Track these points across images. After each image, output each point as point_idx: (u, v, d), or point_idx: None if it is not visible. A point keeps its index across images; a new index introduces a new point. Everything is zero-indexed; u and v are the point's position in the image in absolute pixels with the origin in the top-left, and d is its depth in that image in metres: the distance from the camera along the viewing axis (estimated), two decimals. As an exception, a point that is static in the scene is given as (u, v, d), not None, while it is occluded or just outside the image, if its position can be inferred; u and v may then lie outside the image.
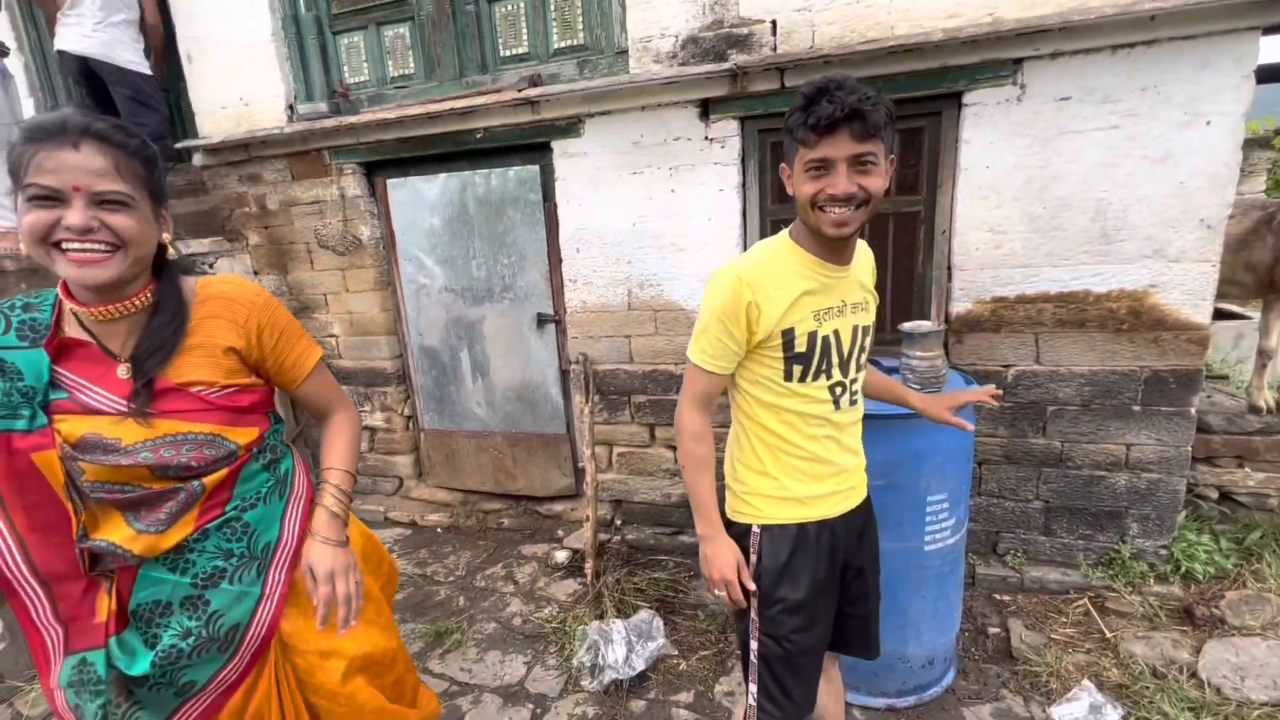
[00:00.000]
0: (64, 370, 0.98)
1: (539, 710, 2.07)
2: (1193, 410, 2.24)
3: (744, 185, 2.55)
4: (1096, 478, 2.38)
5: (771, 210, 2.59)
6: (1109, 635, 2.18)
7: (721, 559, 1.27)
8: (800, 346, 1.21)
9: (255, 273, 3.44)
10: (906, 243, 2.49)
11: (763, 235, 2.62)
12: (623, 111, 2.58)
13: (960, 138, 2.26)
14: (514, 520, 3.32)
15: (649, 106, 2.53)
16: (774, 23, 2.35)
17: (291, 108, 3.15)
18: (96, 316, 0.97)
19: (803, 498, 1.29)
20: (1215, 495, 2.52)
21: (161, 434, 0.99)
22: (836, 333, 1.24)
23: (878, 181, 1.11)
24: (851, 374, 1.29)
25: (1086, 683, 1.95)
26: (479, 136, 2.84)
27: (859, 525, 1.38)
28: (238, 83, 3.18)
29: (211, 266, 3.25)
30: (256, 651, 1.11)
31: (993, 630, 2.29)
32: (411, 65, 3.05)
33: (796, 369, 1.23)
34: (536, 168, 2.84)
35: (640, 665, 2.12)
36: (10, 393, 0.94)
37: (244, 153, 3.23)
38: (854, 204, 1.10)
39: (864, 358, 1.33)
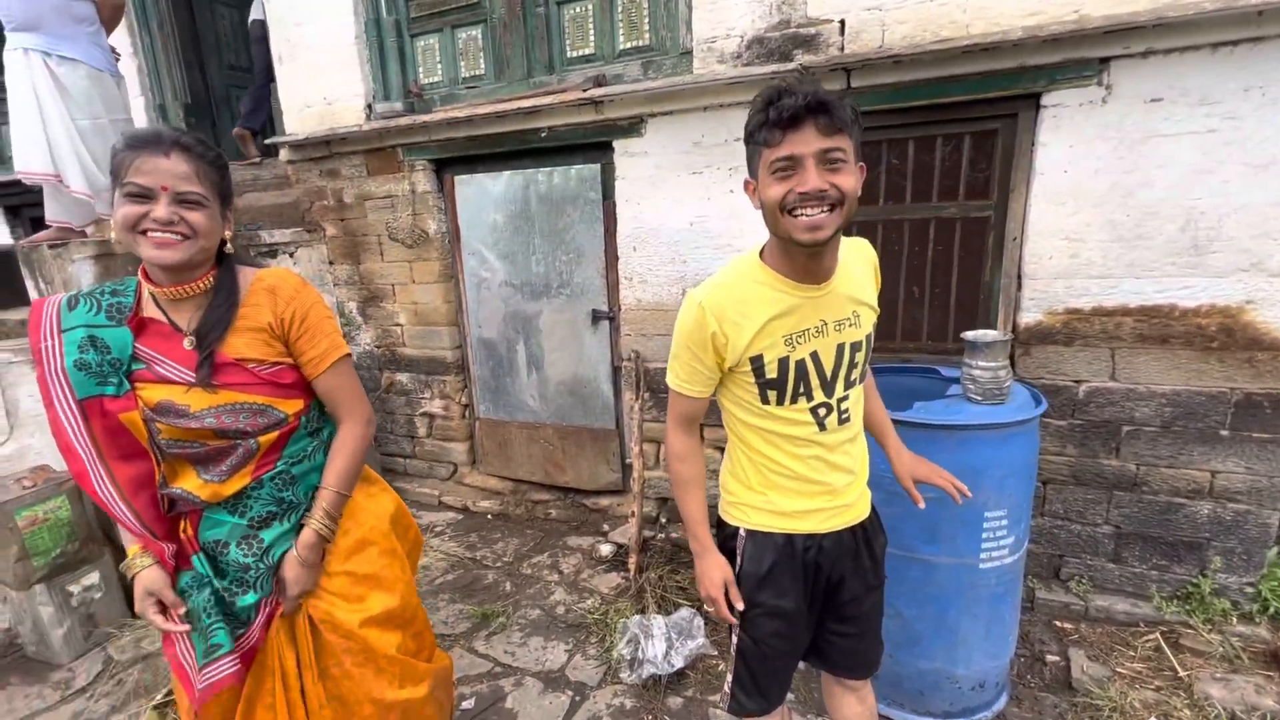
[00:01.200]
0: (142, 345, 1.15)
1: (578, 698, 2.11)
2: (1290, 438, 2.06)
3: (804, 187, 2.52)
4: (1175, 505, 2.23)
5: (832, 213, 2.54)
6: (1182, 674, 2.04)
7: (710, 576, 1.27)
8: (771, 373, 1.16)
9: (330, 262, 3.64)
10: (973, 250, 2.40)
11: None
12: (685, 112, 2.60)
13: (1037, 140, 2.16)
14: (561, 511, 3.39)
15: (711, 107, 2.54)
16: (842, 22, 2.32)
17: (370, 107, 3.32)
18: (168, 296, 1.15)
19: (789, 512, 1.26)
20: (1313, 532, 2.31)
21: (223, 403, 1.16)
22: (815, 354, 1.17)
23: (849, 180, 1.02)
24: (839, 393, 1.21)
25: (1154, 721, 1.84)
26: (543, 135, 2.91)
27: (853, 544, 1.30)
28: (322, 83, 3.38)
29: (292, 256, 3.46)
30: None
31: (1051, 658, 2.18)
32: (482, 66, 3.16)
33: (771, 394, 1.19)
34: (597, 166, 2.90)
35: (679, 662, 2.13)
36: (102, 364, 1.11)
37: (325, 149, 3.42)
38: (826, 204, 1.02)
39: (856, 374, 1.23)
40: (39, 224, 5.09)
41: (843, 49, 2.33)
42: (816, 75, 2.32)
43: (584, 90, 2.71)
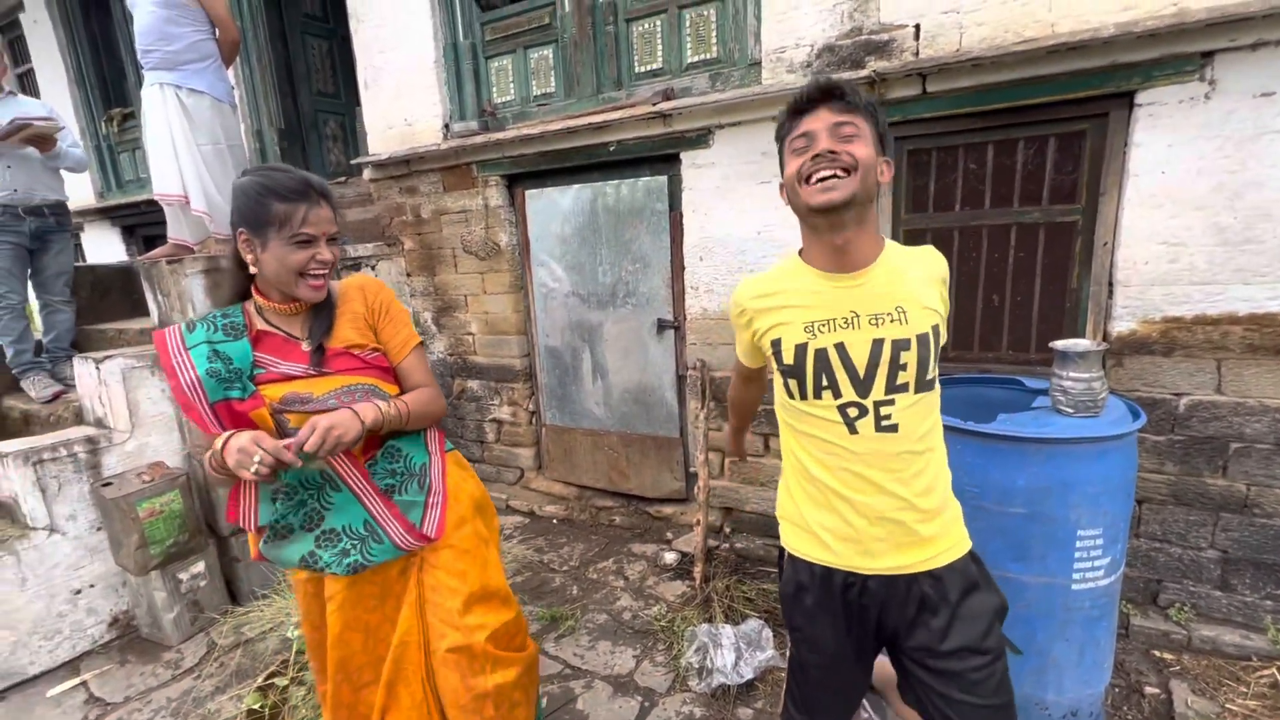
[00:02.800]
0: (261, 353, 1.31)
1: (647, 704, 2.13)
2: None
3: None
4: (1293, 530, 2.06)
5: (906, 219, 2.49)
6: (1304, 714, 1.87)
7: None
8: (787, 359, 1.16)
9: (408, 274, 3.84)
10: (1058, 256, 2.30)
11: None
12: (753, 122, 2.61)
13: (1130, 140, 2.06)
14: (624, 519, 3.43)
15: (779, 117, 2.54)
16: (917, 27, 2.28)
17: (447, 126, 3.49)
18: (286, 312, 1.33)
19: (818, 530, 1.20)
20: None
21: (339, 385, 1.31)
22: (841, 346, 1.13)
23: (863, 149, 1.06)
24: (876, 395, 1.12)
25: (1272, 764, 1.69)
26: (611, 149, 2.99)
27: (916, 594, 1.16)
28: (403, 105, 3.58)
29: (373, 268, 3.66)
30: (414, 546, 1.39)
31: (1150, 690, 2.04)
32: (553, 84, 3.27)
33: (793, 384, 1.18)
34: (664, 178, 2.94)
35: (749, 674, 2.12)
36: (227, 372, 1.26)
37: (405, 167, 3.62)
38: (839, 166, 1.05)
39: (905, 377, 1.12)
40: (150, 242, 5.59)
41: (917, 54, 2.29)
42: (890, 81, 2.29)
43: (653, 104, 2.76)
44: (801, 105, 1.11)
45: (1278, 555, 2.09)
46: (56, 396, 3.10)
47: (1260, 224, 1.94)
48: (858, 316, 1.13)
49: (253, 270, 1.26)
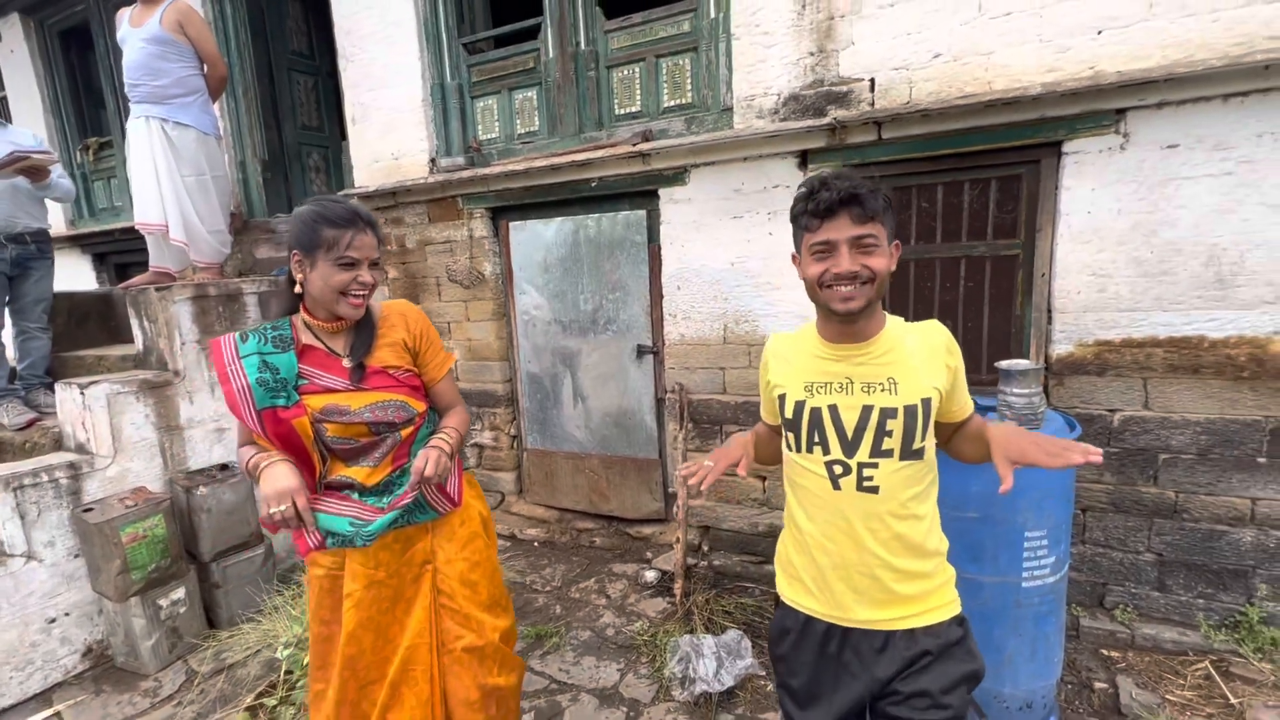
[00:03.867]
0: (306, 366, 1.42)
1: (632, 713, 2.20)
2: (1329, 465, 2.11)
3: (839, 229, 2.70)
4: (1217, 532, 2.27)
5: (866, 252, 2.71)
6: (1234, 701, 2.05)
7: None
8: (788, 413, 1.27)
9: (391, 302, 3.92)
10: (1003, 286, 2.53)
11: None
12: (726, 162, 2.82)
13: (1060, 184, 2.32)
14: (605, 539, 3.51)
15: (751, 157, 2.76)
16: (873, 80, 2.53)
17: (433, 161, 3.63)
18: (328, 330, 1.43)
19: (803, 577, 1.29)
20: (1363, 562, 2.31)
21: (374, 401, 1.43)
22: (834, 408, 1.23)
23: (880, 261, 1.15)
24: (861, 457, 1.20)
25: (1205, 746, 1.85)
26: (593, 185, 3.16)
27: (893, 651, 1.20)
28: (391, 141, 3.72)
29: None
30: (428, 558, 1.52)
31: (1099, 685, 2.20)
32: (536, 123, 3.45)
33: (790, 436, 1.28)
34: (643, 212, 3.13)
35: (729, 681, 2.21)
36: (275, 383, 1.37)
37: (391, 199, 3.74)
38: (858, 281, 1.15)
39: (890, 443, 1.19)
40: (122, 270, 5.55)
41: (873, 104, 2.54)
42: (849, 128, 2.52)
43: (633, 144, 2.96)
44: (823, 209, 1.15)
45: (1205, 556, 2.29)
46: (31, 424, 3.07)
47: (1173, 258, 2.19)
48: (852, 383, 1.23)
49: (299, 290, 1.37)
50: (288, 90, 4.63)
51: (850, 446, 1.22)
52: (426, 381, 1.54)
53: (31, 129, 3.44)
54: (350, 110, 3.83)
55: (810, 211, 1.17)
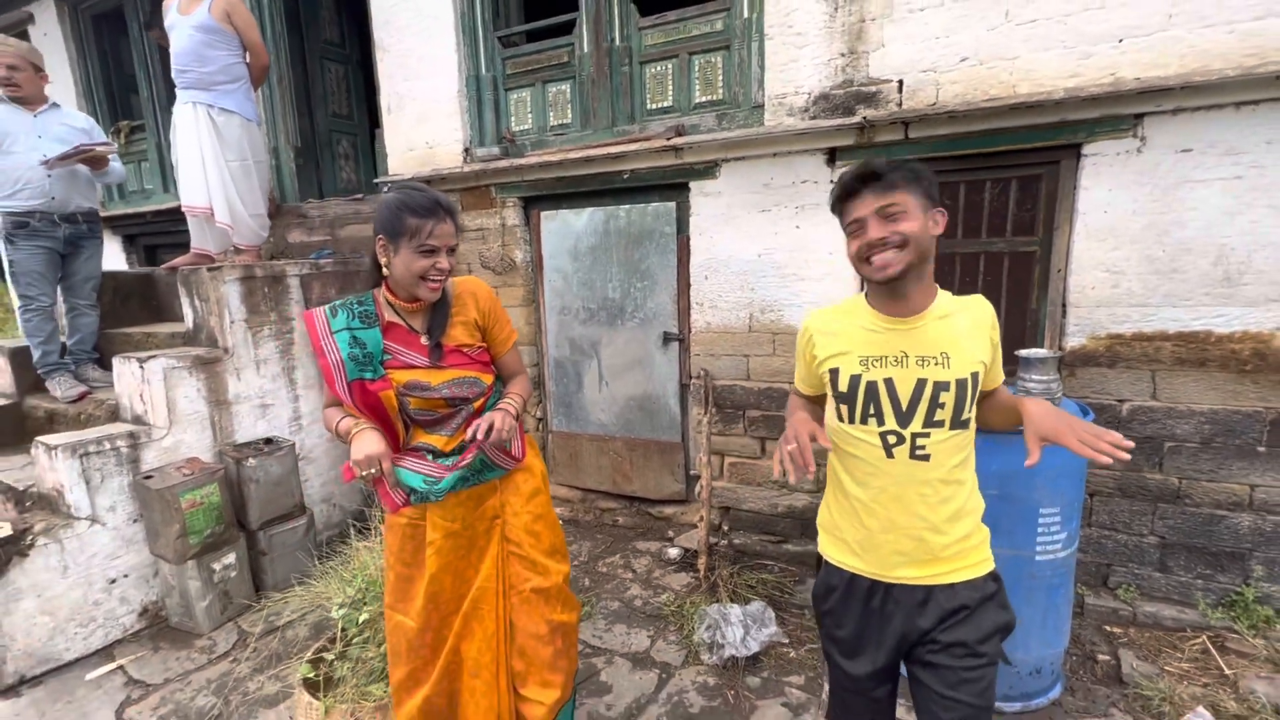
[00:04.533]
0: (389, 342, 1.54)
1: (664, 675, 2.35)
2: (1324, 455, 2.24)
3: (864, 223, 2.82)
4: (1217, 517, 2.41)
5: (889, 246, 2.83)
6: (1228, 672, 2.19)
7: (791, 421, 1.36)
8: (842, 387, 1.32)
9: (422, 287, 4.04)
10: (1020, 280, 2.66)
11: (880, 269, 2.87)
12: (756, 158, 2.94)
13: (1079, 184, 2.44)
14: (627, 519, 3.65)
15: (780, 154, 2.88)
16: (901, 82, 2.65)
17: (467, 150, 3.75)
18: (408, 309, 1.55)
19: (850, 542, 1.35)
20: (1354, 547, 2.46)
21: (450, 378, 1.56)
22: (890, 381, 1.27)
23: (910, 225, 1.20)
24: (914, 427, 1.26)
25: (1201, 709, 2.00)
26: (625, 177, 3.28)
27: (935, 604, 1.29)
28: (425, 130, 3.83)
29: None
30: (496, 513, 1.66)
31: (1102, 657, 2.35)
32: (569, 116, 3.57)
33: (844, 409, 1.32)
34: (673, 204, 3.25)
35: (755, 647, 2.36)
36: (364, 357, 1.50)
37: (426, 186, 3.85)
38: (890, 247, 1.20)
39: (942, 415, 1.26)
40: (151, 252, 5.67)
41: (900, 105, 2.65)
42: (877, 127, 2.64)
43: (667, 138, 3.08)
44: (848, 191, 1.25)
45: (1205, 539, 2.43)
46: (82, 397, 3.20)
47: (1183, 257, 2.32)
48: (907, 356, 1.27)
49: (385, 271, 1.49)
50: (320, 79, 4.74)
51: (905, 418, 1.27)
52: (493, 355, 1.66)
53: (81, 112, 3.54)
54: (385, 99, 3.94)
55: (838, 197, 1.29)
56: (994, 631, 1.29)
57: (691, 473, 3.54)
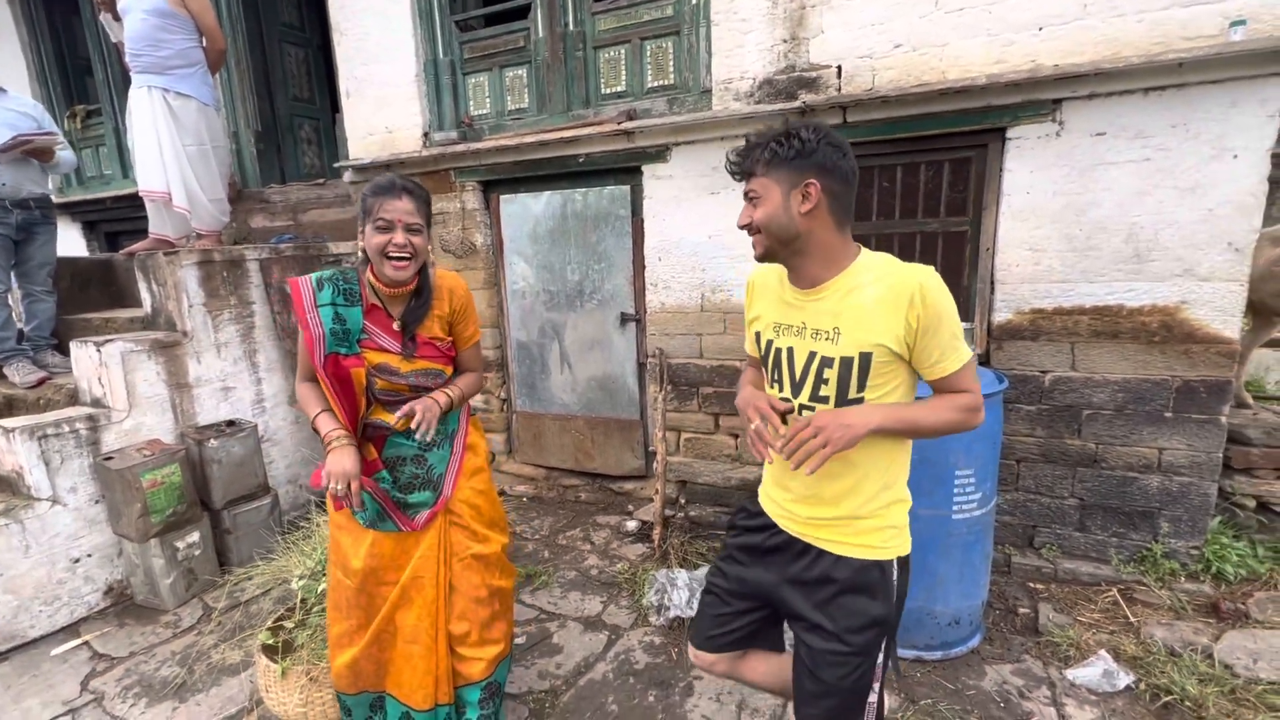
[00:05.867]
0: (368, 323, 1.60)
1: (614, 636, 2.47)
2: (1223, 419, 2.42)
3: (808, 205, 2.93)
4: (1129, 479, 2.58)
5: (831, 227, 2.95)
6: (1133, 620, 2.37)
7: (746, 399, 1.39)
8: (761, 348, 1.39)
9: (385, 271, 4.08)
10: (953, 259, 2.79)
11: (823, 249, 2.99)
12: (705, 141, 3.03)
13: (1004, 167, 2.56)
14: (589, 495, 3.77)
15: (728, 137, 2.96)
16: (839, 68, 2.74)
17: (426, 135, 3.78)
18: (388, 294, 1.60)
19: (767, 492, 1.45)
20: (1253, 505, 2.66)
21: (420, 368, 1.65)
22: (791, 350, 1.31)
23: (761, 211, 1.23)
24: (803, 399, 1.29)
25: (1103, 653, 2.17)
26: (580, 160, 3.35)
27: (803, 564, 1.34)
28: (385, 115, 3.86)
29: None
30: (450, 492, 1.73)
31: (1023, 611, 2.52)
32: (526, 100, 3.61)
33: (765, 369, 1.40)
34: (627, 187, 3.33)
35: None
36: (343, 333, 1.57)
37: (385, 171, 3.88)
38: (751, 231, 1.27)
39: (826, 390, 1.26)
40: (113, 238, 5.62)
41: (839, 90, 2.75)
42: (817, 111, 2.74)
43: (619, 123, 3.15)
44: (730, 174, 1.32)
45: (1119, 500, 2.61)
46: (41, 382, 3.22)
47: (1098, 235, 2.46)
48: (805, 327, 1.28)
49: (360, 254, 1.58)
50: (279, 62, 4.71)
51: (796, 388, 1.30)
52: (457, 346, 1.73)
53: (30, 99, 3.52)
54: (344, 84, 3.95)
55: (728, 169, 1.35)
56: (865, 624, 1.27)
57: (650, 449, 3.66)
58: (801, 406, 1.30)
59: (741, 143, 1.30)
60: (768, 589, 1.43)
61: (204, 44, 3.49)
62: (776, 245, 1.26)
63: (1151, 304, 2.44)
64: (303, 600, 2.34)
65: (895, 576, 1.30)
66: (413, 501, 1.67)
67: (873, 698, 1.33)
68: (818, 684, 1.31)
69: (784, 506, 1.38)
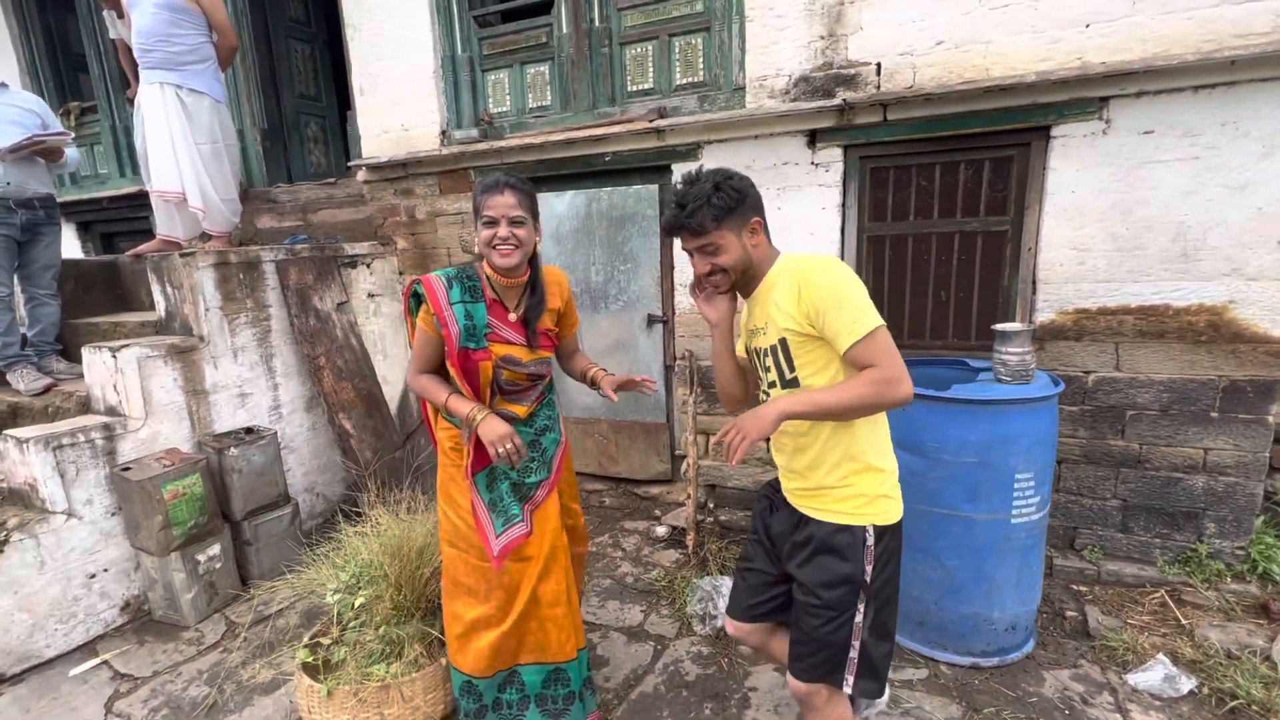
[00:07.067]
0: (491, 317, 1.71)
1: (660, 647, 2.41)
2: (1270, 419, 2.40)
3: (844, 204, 2.89)
4: (1174, 479, 2.56)
5: (869, 227, 2.91)
6: (1185, 622, 2.35)
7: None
8: (748, 355, 1.62)
9: (401, 273, 3.99)
10: (993, 259, 2.76)
11: (860, 248, 2.95)
12: (738, 140, 2.97)
13: (1048, 166, 2.54)
14: (614, 500, 3.70)
15: (762, 135, 2.91)
16: (879, 65, 2.70)
17: (444, 133, 3.69)
18: (503, 284, 1.71)
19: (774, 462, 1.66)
20: (1295, 504, 2.65)
21: (539, 357, 1.78)
22: (758, 349, 1.53)
23: (728, 258, 1.42)
24: (764, 387, 1.53)
25: (1161, 656, 2.15)
26: (607, 159, 3.28)
27: (792, 527, 1.54)
28: (400, 112, 3.76)
29: (369, 266, 3.80)
30: (559, 469, 1.93)
31: (1070, 614, 2.49)
32: (549, 98, 3.54)
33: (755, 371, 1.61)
34: (655, 186, 3.26)
35: (746, 616, 2.43)
36: (472, 329, 1.67)
37: (401, 170, 3.79)
38: (715, 273, 1.45)
39: (771, 377, 1.48)
40: (109, 239, 5.46)
41: (879, 87, 2.71)
42: (857, 109, 2.70)
43: (649, 120, 3.09)
44: (667, 231, 1.48)
45: (1163, 501, 2.59)
46: (48, 389, 3.09)
47: (1144, 234, 2.44)
48: (757, 330, 1.52)
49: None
50: (286, 58, 4.59)
51: (762, 379, 1.55)
52: (561, 337, 1.89)
53: (31, 94, 3.37)
54: (358, 80, 3.85)
55: (665, 229, 1.52)
56: (835, 580, 1.42)
57: (676, 453, 3.60)
58: (765, 394, 1.54)
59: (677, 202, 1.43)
60: (780, 547, 1.60)
61: (214, 39, 3.38)
62: (740, 278, 1.48)
63: (1199, 303, 2.42)
64: (339, 615, 2.26)
65: (871, 542, 1.42)
66: (529, 482, 1.81)
67: (853, 654, 1.44)
68: (799, 632, 1.50)
69: (781, 480, 1.61)
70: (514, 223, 1.60)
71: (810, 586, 1.45)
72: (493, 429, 1.62)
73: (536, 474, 1.83)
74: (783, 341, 1.43)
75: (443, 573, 1.91)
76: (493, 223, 1.60)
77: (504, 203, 1.59)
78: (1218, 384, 2.45)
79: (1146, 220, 2.43)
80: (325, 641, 2.23)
